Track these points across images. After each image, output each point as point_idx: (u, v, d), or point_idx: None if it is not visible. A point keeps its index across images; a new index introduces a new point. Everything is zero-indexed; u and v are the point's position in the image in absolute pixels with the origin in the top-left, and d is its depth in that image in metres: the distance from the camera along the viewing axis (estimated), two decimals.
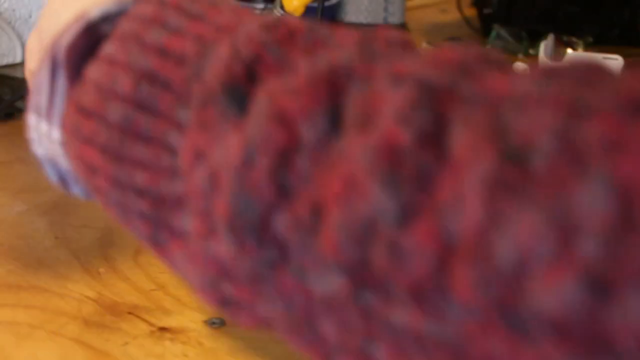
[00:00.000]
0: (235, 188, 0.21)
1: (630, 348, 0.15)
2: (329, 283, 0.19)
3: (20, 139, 0.85)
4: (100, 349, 0.43)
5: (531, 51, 1.00)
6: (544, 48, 0.81)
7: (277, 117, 0.20)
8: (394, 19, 1.32)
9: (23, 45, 1.05)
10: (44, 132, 0.29)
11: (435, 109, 0.18)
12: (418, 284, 0.18)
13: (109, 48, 0.27)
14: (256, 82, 0.22)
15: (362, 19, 1.35)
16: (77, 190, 0.32)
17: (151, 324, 0.46)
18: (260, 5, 1.18)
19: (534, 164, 0.17)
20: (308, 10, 0.98)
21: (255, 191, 0.20)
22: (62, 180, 0.31)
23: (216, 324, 0.46)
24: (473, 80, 0.19)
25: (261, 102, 0.21)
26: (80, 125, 0.27)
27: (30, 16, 1.06)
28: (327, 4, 0.85)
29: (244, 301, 0.23)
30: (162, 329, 0.45)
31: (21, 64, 0.99)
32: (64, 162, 0.30)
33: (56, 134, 0.29)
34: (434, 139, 0.18)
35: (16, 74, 0.92)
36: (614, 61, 0.64)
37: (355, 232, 0.18)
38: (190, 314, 0.47)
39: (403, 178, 0.18)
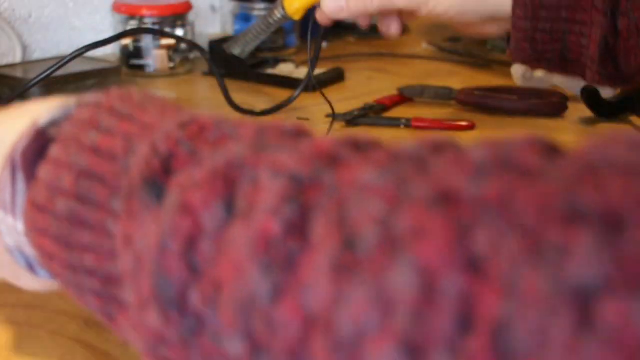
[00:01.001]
0: (154, 269, 0.25)
1: None
2: (235, 347, 0.23)
3: None
4: (100, 349, 0.43)
5: None
6: None
7: (184, 208, 0.24)
8: None
9: (23, 45, 1.05)
10: (10, 225, 0.33)
11: (300, 201, 0.22)
12: (290, 350, 0.21)
13: (54, 150, 0.31)
14: (171, 174, 0.27)
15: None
16: (43, 274, 0.35)
17: None
18: (261, 6, 1.19)
19: (362, 250, 0.20)
20: (311, 10, 0.98)
21: (170, 272, 0.24)
22: (30, 266, 0.35)
23: None
24: (336, 170, 0.23)
25: (172, 194, 0.25)
26: (35, 219, 0.31)
27: (30, 16, 1.07)
28: None
29: None
30: None
31: (21, 64, 0.99)
32: (29, 251, 0.33)
33: (20, 226, 0.33)
34: (298, 227, 0.22)
35: (16, 74, 0.92)
36: None
37: (241, 307, 0.22)
38: None
39: (274, 262, 0.22)
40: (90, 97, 0.33)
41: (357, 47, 1.21)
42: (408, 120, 0.83)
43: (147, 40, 1.03)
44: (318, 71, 1.00)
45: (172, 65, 1.05)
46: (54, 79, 0.86)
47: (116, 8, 1.05)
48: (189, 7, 1.08)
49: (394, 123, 0.83)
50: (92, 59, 0.97)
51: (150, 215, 0.26)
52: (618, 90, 0.82)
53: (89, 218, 0.29)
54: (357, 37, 1.28)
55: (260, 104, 0.91)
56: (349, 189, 0.22)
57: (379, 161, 0.23)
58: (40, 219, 0.31)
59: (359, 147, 0.25)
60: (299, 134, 0.27)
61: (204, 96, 0.99)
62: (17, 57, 1.03)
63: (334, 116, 0.85)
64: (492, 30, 0.66)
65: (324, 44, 1.22)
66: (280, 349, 0.22)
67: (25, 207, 0.32)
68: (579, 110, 0.90)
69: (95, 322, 0.46)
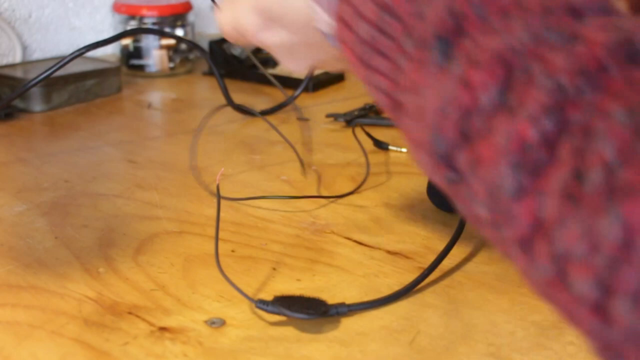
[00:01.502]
0: (432, 125, 0.29)
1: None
2: (481, 211, 0.28)
3: (20, 139, 0.85)
4: (100, 349, 0.43)
5: None
6: None
7: (465, 83, 0.27)
8: None
9: (23, 45, 1.05)
10: (325, 19, 0.39)
11: (559, 116, 0.25)
12: (517, 240, 0.26)
13: None
14: (461, 35, 0.29)
15: None
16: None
17: (151, 324, 0.46)
18: None
19: (586, 187, 0.23)
20: None
21: (444, 132, 0.28)
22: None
23: (216, 324, 0.46)
24: (594, 90, 0.24)
25: (457, 64, 0.28)
26: (342, 32, 0.35)
27: (30, 16, 1.07)
28: None
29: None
30: (162, 329, 0.45)
31: (21, 64, 0.99)
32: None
33: (330, 21, 0.38)
34: (550, 140, 0.25)
35: (16, 74, 0.92)
36: None
37: (489, 188, 0.26)
38: (190, 314, 0.47)
39: (523, 164, 0.25)
40: None
41: None
42: None
43: (147, 40, 1.03)
44: (318, 71, 1.00)
45: (172, 65, 1.05)
46: (54, 79, 0.86)
47: (116, 8, 1.05)
48: (189, 7, 1.08)
49: (394, 123, 0.83)
50: (92, 59, 0.97)
51: (436, 71, 0.29)
52: None
53: (385, 48, 0.33)
54: None
55: (260, 104, 0.91)
56: (599, 119, 0.24)
57: (635, 95, 0.24)
58: (345, 33, 0.35)
59: (631, 57, 0.25)
60: (584, 14, 0.28)
61: (204, 96, 1.00)
62: (17, 57, 1.03)
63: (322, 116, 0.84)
64: None
65: None
66: (511, 235, 0.26)
67: (334, 17, 0.36)
68: None
69: (95, 322, 0.46)
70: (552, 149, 0.25)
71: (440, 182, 0.31)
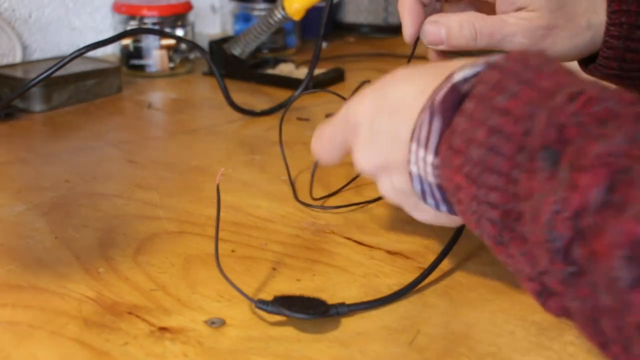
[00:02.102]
0: (547, 225, 0.31)
1: None
2: (605, 299, 0.29)
3: (20, 139, 0.85)
4: (100, 349, 0.43)
5: None
6: None
7: (574, 186, 0.31)
8: (394, 19, 1.32)
9: (23, 45, 1.05)
10: (421, 156, 0.41)
11: None
12: (636, 326, 0.28)
13: (469, 105, 0.38)
14: (564, 143, 0.32)
15: (362, 19, 1.36)
16: (430, 201, 0.43)
17: (151, 324, 0.46)
18: (262, 6, 1.18)
19: None
20: (311, 10, 0.98)
21: (559, 230, 0.31)
22: (422, 192, 0.43)
23: (216, 324, 0.46)
24: None
25: (565, 168, 0.32)
26: (450, 159, 0.38)
27: (30, 16, 1.06)
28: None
29: (555, 292, 0.34)
30: (162, 329, 0.45)
31: (21, 64, 0.99)
32: (430, 179, 0.42)
33: (430, 158, 0.41)
34: None
35: (16, 74, 0.92)
36: None
37: (607, 282, 0.29)
38: (190, 314, 0.47)
39: (636, 258, 0.28)
40: (495, 59, 0.39)
41: (357, 47, 1.21)
42: None
43: (147, 40, 1.03)
44: (318, 71, 1.00)
45: (172, 65, 1.05)
46: (54, 79, 0.86)
47: (116, 8, 1.05)
48: (189, 7, 1.08)
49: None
50: (92, 59, 0.97)
51: (547, 177, 0.33)
52: None
53: (498, 166, 0.36)
54: (357, 37, 1.28)
55: (260, 104, 0.91)
56: None
57: None
58: (454, 158, 0.38)
59: None
60: None
61: (204, 96, 0.99)
62: (17, 57, 1.03)
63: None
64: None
65: (324, 44, 1.22)
66: (631, 321, 0.28)
67: (439, 146, 0.40)
68: None
69: (95, 322, 0.46)
70: None
71: (557, 281, 0.33)
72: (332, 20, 1.35)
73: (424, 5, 0.58)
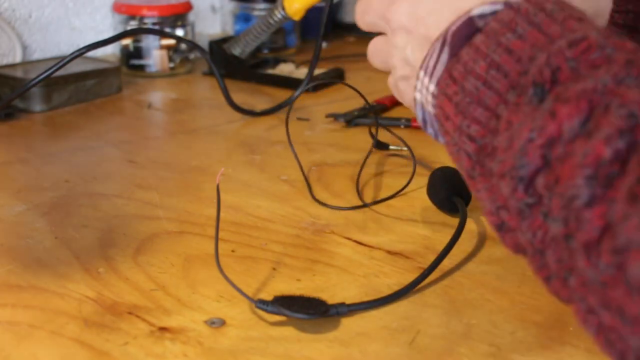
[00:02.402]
0: (519, 151, 0.32)
1: None
2: (555, 226, 0.31)
3: (20, 139, 0.85)
4: (100, 349, 0.43)
5: None
6: None
7: (552, 114, 0.31)
8: None
9: (23, 45, 1.05)
10: (425, 84, 0.42)
11: (630, 137, 0.29)
12: (586, 243, 0.29)
13: (478, 39, 0.39)
14: (555, 84, 0.33)
15: None
16: (430, 131, 0.44)
17: (151, 324, 0.46)
18: (262, 6, 1.18)
19: None
20: (311, 10, 0.98)
21: (529, 157, 0.32)
22: (424, 121, 0.44)
23: (216, 324, 0.46)
24: None
25: (549, 100, 0.33)
26: (447, 86, 0.40)
27: (30, 16, 1.06)
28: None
29: (511, 228, 0.35)
30: (162, 329, 0.45)
31: (21, 64, 0.99)
32: (429, 109, 0.43)
33: (432, 87, 0.42)
34: (622, 157, 0.29)
35: (16, 74, 0.92)
36: None
37: (565, 200, 0.30)
38: (190, 314, 0.47)
39: (596, 177, 0.29)
40: (515, 0, 0.39)
41: (357, 47, 1.21)
42: (408, 120, 0.83)
43: (147, 40, 1.03)
44: (318, 71, 1.00)
45: (172, 65, 1.05)
46: (54, 79, 0.86)
47: (116, 8, 1.05)
48: (189, 7, 1.08)
49: (394, 123, 0.83)
50: (92, 59, 0.97)
51: (529, 110, 0.34)
52: None
53: (487, 99, 0.37)
54: (357, 37, 1.28)
55: (260, 104, 0.91)
56: None
57: None
58: (450, 86, 0.39)
59: None
60: None
61: (204, 96, 1.00)
62: (17, 57, 1.03)
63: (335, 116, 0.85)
64: None
65: (324, 44, 1.22)
66: (580, 239, 0.29)
67: (442, 74, 0.41)
68: None
69: (95, 322, 0.46)
70: (623, 164, 0.28)
71: (514, 212, 0.34)
72: (332, 20, 1.35)
73: None
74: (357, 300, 0.48)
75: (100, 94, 0.94)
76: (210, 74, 1.05)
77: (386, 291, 0.49)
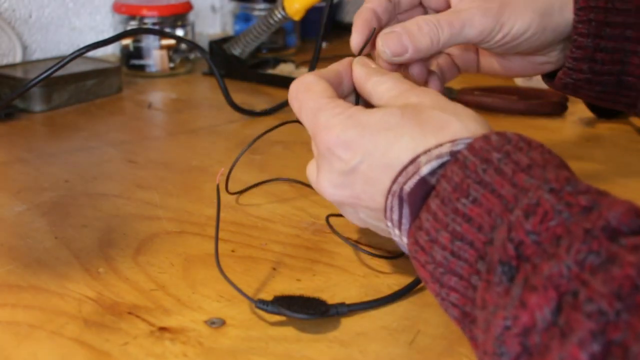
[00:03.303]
0: (497, 338, 0.32)
1: None
2: None
3: (20, 139, 0.85)
4: (100, 349, 0.43)
5: None
6: None
7: (523, 304, 0.31)
8: None
9: (23, 45, 1.05)
10: (397, 234, 0.42)
11: (604, 338, 0.28)
12: None
13: (434, 205, 0.39)
14: (521, 260, 0.33)
15: None
16: (404, 249, 0.43)
17: (151, 324, 0.46)
18: (262, 6, 1.18)
19: None
20: (311, 10, 0.98)
21: (508, 345, 0.32)
22: (399, 244, 0.44)
23: (216, 324, 0.46)
24: (631, 310, 0.28)
25: (518, 286, 0.32)
26: (416, 253, 0.40)
27: (30, 16, 1.07)
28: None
29: None
30: (162, 329, 0.45)
31: (21, 64, 0.99)
32: (406, 251, 0.42)
33: (404, 239, 0.42)
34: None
35: (16, 73, 0.92)
36: None
37: None
38: (190, 314, 0.47)
39: None
40: (460, 150, 0.39)
41: None
42: None
43: (147, 40, 1.04)
44: None
45: (172, 65, 1.05)
46: (54, 79, 0.86)
47: (116, 8, 1.05)
48: (189, 7, 1.08)
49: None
50: (92, 59, 0.98)
51: (502, 291, 0.34)
52: None
53: (459, 269, 0.37)
54: None
55: (260, 104, 0.91)
56: (634, 339, 0.27)
57: None
58: (420, 254, 0.39)
59: None
60: (620, 233, 0.31)
61: (204, 96, 1.00)
62: (17, 57, 1.03)
63: None
64: (543, 61, 0.62)
65: (324, 44, 1.22)
66: None
67: (408, 237, 0.41)
68: (579, 110, 0.90)
69: (95, 322, 0.46)
70: None
71: None
72: (332, 20, 1.35)
73: (380, 21, 0.55)
74: (357, 300, 0.48)
75: (101, 94, 0.94)
76: (210, 74, 1.05)
77: (386, 291, 0.49)
